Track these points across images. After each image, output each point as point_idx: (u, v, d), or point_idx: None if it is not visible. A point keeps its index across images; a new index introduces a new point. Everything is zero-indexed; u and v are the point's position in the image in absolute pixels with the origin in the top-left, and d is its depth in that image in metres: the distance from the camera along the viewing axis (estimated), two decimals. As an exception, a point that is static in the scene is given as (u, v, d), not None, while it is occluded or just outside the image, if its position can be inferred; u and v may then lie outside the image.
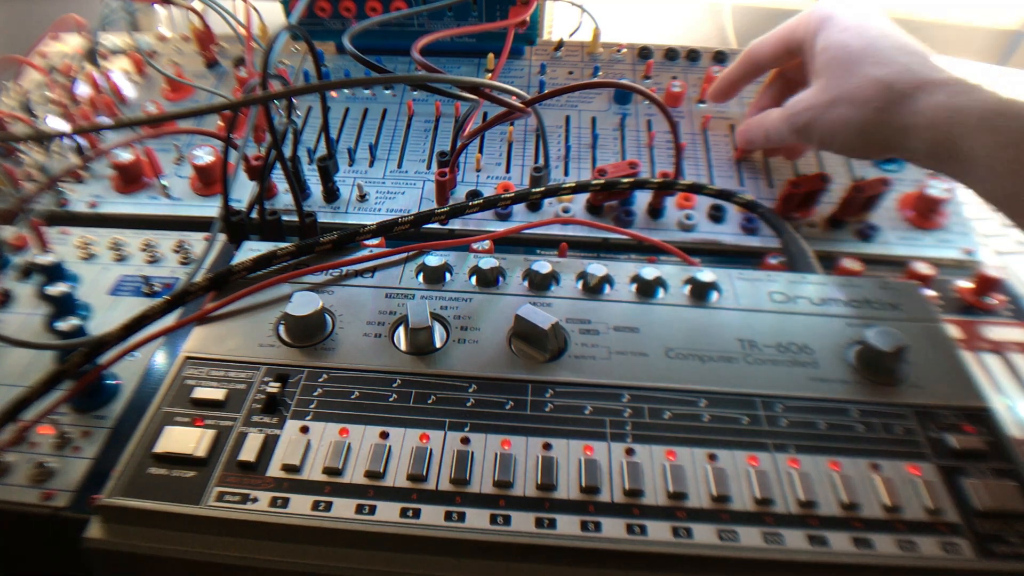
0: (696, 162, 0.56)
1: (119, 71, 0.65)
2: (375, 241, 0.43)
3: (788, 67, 0.53)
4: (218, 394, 0.34)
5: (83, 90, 0.61)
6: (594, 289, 0.39)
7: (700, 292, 0.39)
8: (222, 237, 0.48)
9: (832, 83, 0.45)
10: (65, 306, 0.43)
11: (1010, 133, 0.37)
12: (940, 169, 0.42)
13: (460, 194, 0.54)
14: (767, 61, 0.53)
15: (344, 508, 0.30)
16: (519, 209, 0.53)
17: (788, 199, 0.50)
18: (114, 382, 0.40)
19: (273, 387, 0.34)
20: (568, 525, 0.29)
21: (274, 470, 0.31)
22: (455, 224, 0.51)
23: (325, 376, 0.35)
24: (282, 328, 0.37)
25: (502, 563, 0.29)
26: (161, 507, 0.30)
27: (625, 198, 0.52)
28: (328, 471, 0.31)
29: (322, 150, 0.54)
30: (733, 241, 0.51)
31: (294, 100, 0.53)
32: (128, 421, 0.39)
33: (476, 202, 0.45)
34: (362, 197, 0.54)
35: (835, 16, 0.46)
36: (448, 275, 0.40)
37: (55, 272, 0.45)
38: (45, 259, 0.45)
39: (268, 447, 0.32)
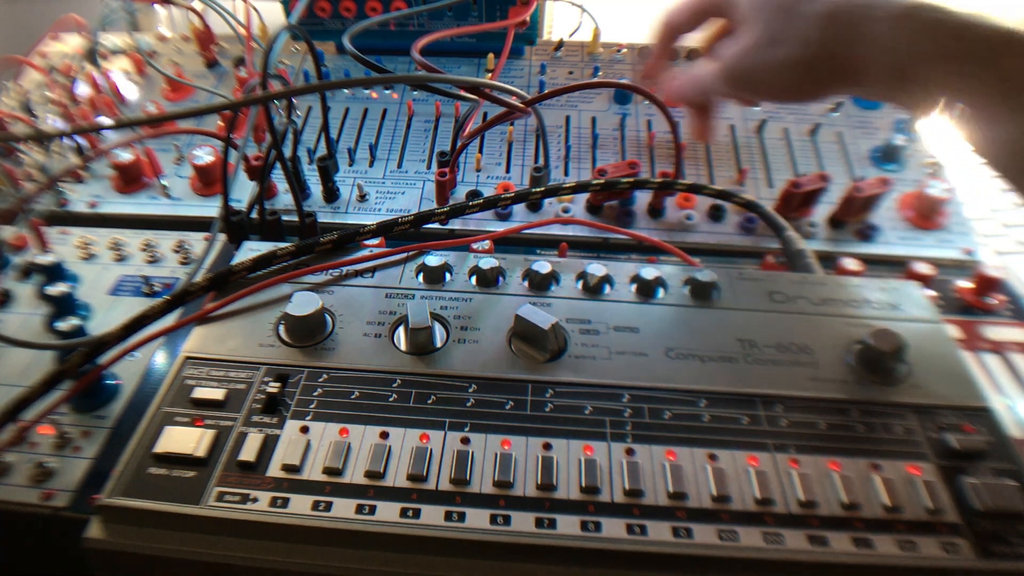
0: (696, 162, 0.56)
1: (119, 71, 0.65)
2: (375, 241, 0.43)
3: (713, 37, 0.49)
4: (218, 394, 0.34)
5: (83, 90, 0.61)
6: (594, 289, 0.39)
7: (700, 292, 0.39)
8: (222, 237, 0.48)
9: (768, 25, 0.41)
10: (65, 306, 0.43)
11: (967, 61, 0.34)
12: (896, 97, 0.39)
13: (460, 194, 0.54)
14: (684, 23, 0.49)
15: (344, 508, 0.30)
16: (519, 209, 0.53)
17: (788, 199, 0.50)
18: (114, 382, 0.40)
19: (273, 387, 0.34)
20: (568, 525, 0.29)
21: (274, 470, 0.31)
22: (455, 224, 0.51)
23: (325, 376, 0.35)
24: (282, 328, 0.37)
25: (502, 563, 0.29)
26: (161, 507, 0.30)
27: (625, 198, 0.52)
28: (328, 471, 0.31)
29: (322, 150, 0.54)
30: (733, 241, 0.51)
31: (294, 100, 0.53)
32: (128, 421, 0.39)
33: (476, 202, 0.45)
34: (362, 197, 0.54)
35: None
36: (448, 275, 0.40)
37: (55, 272, 0.45)
38: (45, 259, 0.45)
39: (268, 447, 0.32)
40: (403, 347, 0.36)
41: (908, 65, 0.36)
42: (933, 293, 0.46)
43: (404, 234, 0.43)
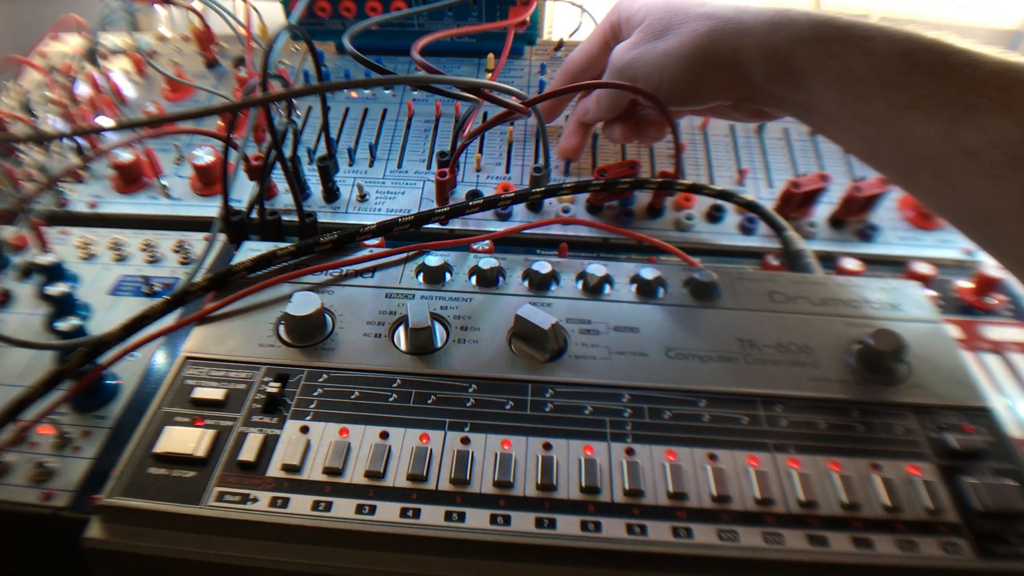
0: (696, 162, 0.56)
1: (119, 71, 0.65)
2: (375, 241, 0.43)
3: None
4: (218, 394, 0.34)
5: (83, 90, 0.61)
6: (594, 289, 0.39)
7: (700, 292, 0.39)
8: (222, 237, 0.48)
9: (652, 26, 0.43)
10: (65, 306, 0.43)
11: (837, 42, 0.36)
12: (781, 103, 0.41)
13: (460, 194, 0.54)
14: (584, 64, 0.51)
15: (344, 508, 0.30)
16: (519, 209, 0.53)
17: (788, 199, 0.50)
18: (114, 382, 0.40)
19: (273, 387, 0.34)
20: (568, 525, 0.29)
21: (274, 470, 0.31)
22: (455, 224, 0.51)
23: (325, 376, 0.35)
24: (282, 328, 0.37)
25: (502, 563, 0.29)
26: (161, 507, 0.30)
27: (625, 198, 0.52)
28: (328, 471, 0.31)
29: (322, 150, 0.54)
30: (733, 241, 0.51)
31: (294, 100, 0.53)
32: (128, 421, 0.39)
33: (476, 202, 0.45)
34: (362, 197, 0.54)
35: None
36: (448, 275, 0.40)
37: (55, 272, 0.45)
38: (45, 259, 0.45)
39: (268, 447, 0.32)
40: (403, 347, 0.36)
41: (786, 54, 0.38)
42: (933, 293, 0.46)
43: (404, 234, 0.43)
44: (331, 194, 0.53)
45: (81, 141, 0.57)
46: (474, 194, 0.53)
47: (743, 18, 0.40)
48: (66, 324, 0.39)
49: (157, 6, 0.67)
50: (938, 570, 0.29)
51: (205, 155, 0.53)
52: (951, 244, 0.51)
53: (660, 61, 0.43)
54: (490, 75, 0.62)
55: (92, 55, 0.62)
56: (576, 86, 0.52)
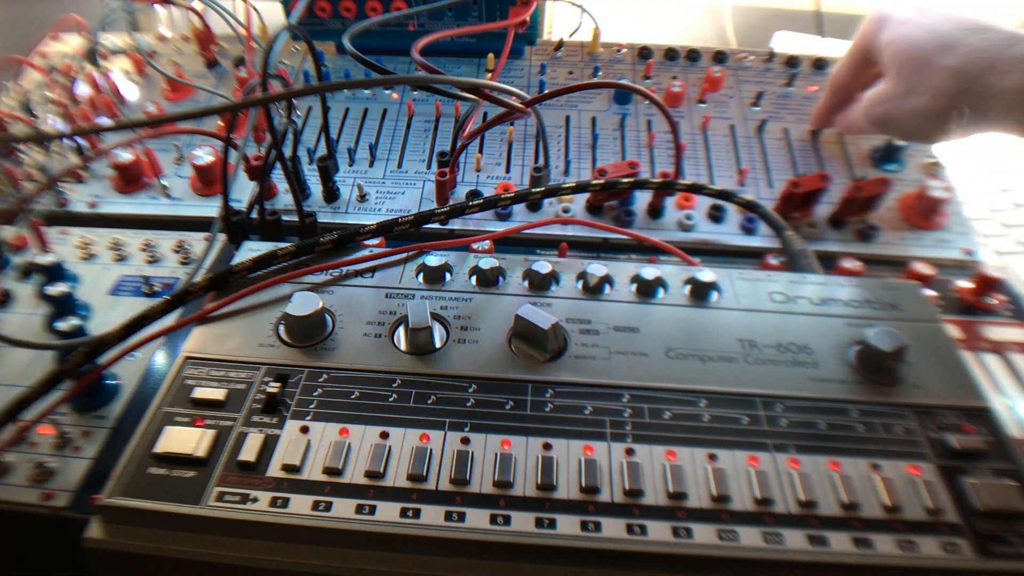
0: (696, 162, 0.56)
1: (119, 71, 0.65)
2: (375, 241, 0.43)
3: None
4: (218, 394, 0.34)
5: (83, 90, 0.61)
6: (594, 289, 0.39)
7: (700, 292, 0.39)
8: (222, 237, 0.48)
9: (903, 76, 0.46)
10: (65, 306, 0.43)
11: None
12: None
13: (460, 194, 0.54)
14: (849, 81, 0.53)
15: (344, 508, 0.30)
16: (519, 209, 0.53)
17: (788, 199, 0.50)
18: (114, 382, 0.40)
19: (273, 387, 0.34)
20: (568, 525, 0.29)
21: (274, 470, 0.31)
22: (455, 224, 0.51)
23: (325, 376, 0.35)
24: (282, 328, 0.37)
25: (502, 563, 0.29)
26: (161, 507, 0.30)
27: (625, 198, 0.52)
28: (328, 471, 0.31)
29: (322, 150, 0.54)
30: (733, 241, 0.51)
31: (294, 100, 0.53)
32: (128, 421, 0.39)
33: (476, 202, 0.45)
34: (362, 197, 0.54)
35: (891, 13, 0.47)
36: (448, 275, 0.40)
37: (55, 272, 0.45)
38: (45, 259, 0.45)
39: (268, 447, 0.32)
40: (403, 347, 0.36)
41: None
42: (933, 293, 0.46)
43: (404, 234, 0.43)
44: (331, 194, 0.53)
45: (81, 141, 0.57)
46: (474, 194, 0.53)
47: (990, 81, 0.42)
48: (66, 324, 0.39)
49: (157, 6, 0.67)
50: (938, 570, 0.29)
51: (205, 155, 0.53)
52: (951, 244, 0.51)
53: (912, 120, 0.47)
54: (490, 75, 0.62)
55: (92, 55, 0.62)
56: (574, 87, 0.52)
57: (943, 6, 0.46)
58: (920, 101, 0.45)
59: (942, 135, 0.47)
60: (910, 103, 0.46)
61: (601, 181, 0.48)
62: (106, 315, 0.45)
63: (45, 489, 0.35)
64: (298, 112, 0.59)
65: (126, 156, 0.53)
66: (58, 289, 0.43)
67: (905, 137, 0.50)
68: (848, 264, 0.46)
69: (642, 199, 0.53)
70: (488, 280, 0.40)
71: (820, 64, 0.64)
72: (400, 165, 0.56)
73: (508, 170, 0.56)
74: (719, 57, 0.65)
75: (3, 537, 0.37)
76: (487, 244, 0.46)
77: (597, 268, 0.40)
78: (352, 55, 0.46)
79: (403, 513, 0.29)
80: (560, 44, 0.66)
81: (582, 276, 0.40)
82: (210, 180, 0.54)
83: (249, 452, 0.31)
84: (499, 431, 0.33)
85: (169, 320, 0.39)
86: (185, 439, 0.32)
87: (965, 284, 0.47)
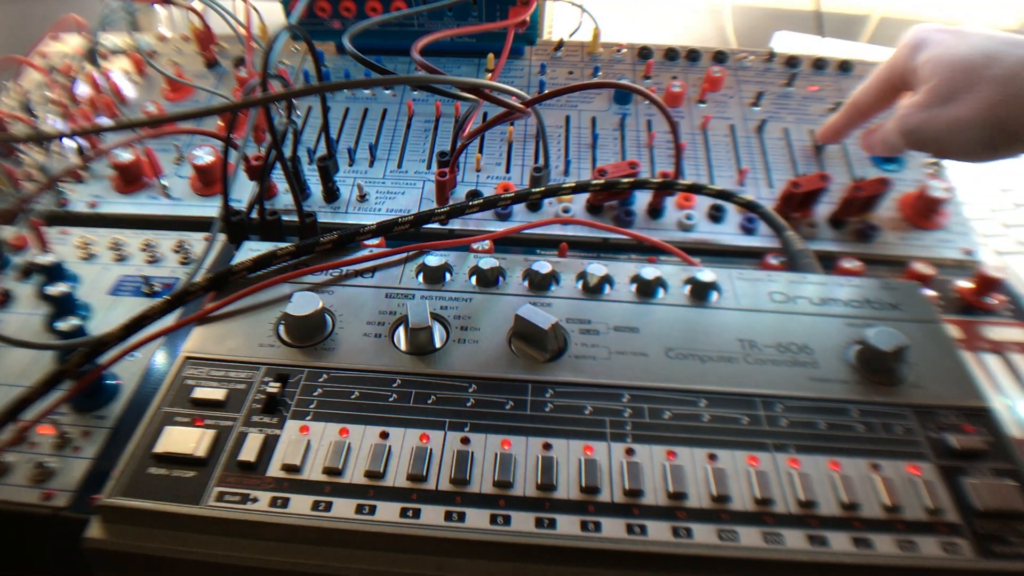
0: (696, 162, 0.56)
1: (119, 71, 0.65)
2: (375, 241, 0.43)
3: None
4: (218, 394, 0.34)
5: (83, 90, 0.61)
6: (594, 289, 0.39)
7: (700, 292, 0.39)
8: (222, 237, 0.48)
9: (944, 86, 0.44)
10: (65, 306, 0.43)
11: None
12: None
13: (460, 194, 0.54)
14: (873, 102, 0.52)
15: (344, 508, 0.30)
16: (519, 209, 0.53)
17: (788, 199, 0.50)
18: (114, 382, 0.40)
19: (273, 387, 0.34)
20: (568, 525, 0.29)
21: (274, 470, 0.31)
22: (455, 224, 0.51)
23: (325, 376, 0.35)
24: (282, 328, 0.37)
25: (502, 563, 0.29)
26: (161, 507, 0.30)
27: (625, 198, 0.52)
28: (328, 471, 0.31)
29: (322, 150, 0.54)
30: (733, 241, 0.51)
31: (294, 100, 0.53)
32: (128, 421, 0.39)
33: (476, 202, 0.45)
34: (362, 197, 0.54)
35: (930, 36, 0.46)
36: (448, 275, 0.40)
37: (55, 272, 0.45)
38: (45, 259, 0.45)
39: (268, 447, 0.32)
40: (403, 347, 0.36)
41: None
42: (933, 293, 0.46)
43: (404, 234, 0.43)
44: (331, 194, 0.53)
45: (81, 141, 0.57)
46: (474, 194, 0.53)
47: None
48: (66, 324, 0.39)
49: (157, 6, 0.67)
50: (938, 570, 0.29)
51: (205, 155, 0.53)
52: (951, 244, 0.51)
53: (950, 129, 0.44)
54: (490, 75, 0.62)
55: (92, 55, 0.62)
56: (574, 87, 0.52)
57: (980, 29, 0.45)
58: (960, 110, 0.43)
59: (985, 150, 0.45)
60: (949, 111, 0.44)
61: (601, 181, 0.48)
62: (106, 315, 0.45)
63: (45, 489, 0.35)
64: (298, 112, 0.59)
65: (126, 156, 0.53)
66: (58, 289, 0.43)
67: (940, 152, 0.47)
68: (848, 264, 0.46)
69: (642, 199, 0.53)
70: (488, 280, 0.40)
71: (820, 64, 0.64)
72: (400, 165, 0.56)
73: (508, 170, 0.56)
74: (719, 57, 0.65)
75: (3, 537, 0.37)
76: (487, 244, 0.46)
77: (597, 268, 0.40)
78: (352, 55, 0.46)
79: (403, 513, 0.29)
80: (560, 44, 0.66)
81: (582, 276, 0.40)
82: (210, 180, 0.54)
83: (249, 452, 0.31)
84: (499, 431, 0.33)
85: (169, 320, 0.39)
86: (185, 439, 0.32)
87: (965, 284, 0.47)
